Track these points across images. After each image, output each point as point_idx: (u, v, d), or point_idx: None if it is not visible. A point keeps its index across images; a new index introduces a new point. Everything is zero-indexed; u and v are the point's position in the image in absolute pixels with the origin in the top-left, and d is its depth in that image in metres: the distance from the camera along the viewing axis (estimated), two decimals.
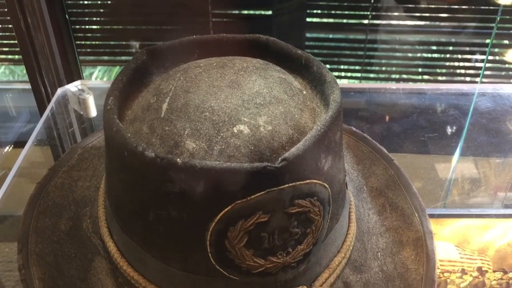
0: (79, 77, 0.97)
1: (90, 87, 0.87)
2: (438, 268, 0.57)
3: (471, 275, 0.68)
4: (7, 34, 1.15)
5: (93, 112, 0.84)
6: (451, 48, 1.19)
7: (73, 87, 0.85)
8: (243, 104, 0.45)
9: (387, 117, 0.91)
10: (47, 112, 0.82)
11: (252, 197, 0.40)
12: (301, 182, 0.41)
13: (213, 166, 0.39)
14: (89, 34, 1.14)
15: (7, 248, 0.66)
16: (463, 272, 0.68)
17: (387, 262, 0.54)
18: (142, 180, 0.43)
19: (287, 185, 0.40)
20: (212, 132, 0.43)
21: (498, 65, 1.19)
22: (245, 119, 0.44)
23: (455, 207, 0.79)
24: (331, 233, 0.48)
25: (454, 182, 0.83)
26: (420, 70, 1.24)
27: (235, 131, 0.43)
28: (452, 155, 0.86)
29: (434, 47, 1.19)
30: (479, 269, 0.69)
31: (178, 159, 0.39)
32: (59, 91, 0.87)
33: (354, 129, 0.69)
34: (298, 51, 0.54)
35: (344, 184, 0.51)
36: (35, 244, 0.53)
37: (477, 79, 1.18)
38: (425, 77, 1.26)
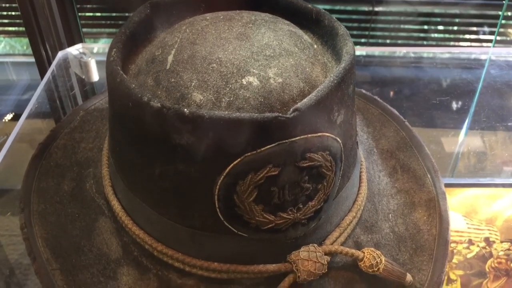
0: (80, 40, 0.95)
1: (92, 52, 0.85)
2: None
3: (478, 246, 0.68)
4: (7, 5, 1.13)
5: (95, 76, 0.82)
6: (458, 20, 1.17)
7: (74, 50, 0.83)
8: (252, 55, 0.44)
9: (396, 83, 0.90)
10: (47, 75, 0.80)
11: (262, 149, 0.38)
12: (313, 135, 0.40)
13: (221, 116, 0.37)
14: (89, 6, 1.11)
15: (9, 221, 0.65)
16: (470, 242, 0.68)
17: (398, 223, 0.53)
18: (147, 133, 0.41)
19: (298, 138, 0.39)
20: (220, 83, 0.42)
21: (509, 37, 1.17)
22: (254, 70, 0.43)
23: (463, 176, 0.77)
24: (342, 191, 0.47)
25: (464, 148, 0.81)
26: (425, 43, 1.21)
27: (244, 82, 0.42)
28: (463, 122, 0.84)
29: (443, 19, 1.16)
30: (487, 240, 0.68)
31: (185, 109, 0.38)
32: (60, 54, 0.85)
33: (364, 91, 0.67)
34: (308, 5, 0.52)
35: (356, 142, 0.50)
36: (37, 204, 0.52)
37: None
38: None
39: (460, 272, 0.68)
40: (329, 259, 0.45)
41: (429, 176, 0.56)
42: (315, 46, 0.49)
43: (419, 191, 0.55)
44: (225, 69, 0.43)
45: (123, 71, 0.44)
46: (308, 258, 0.44)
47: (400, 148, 0.60)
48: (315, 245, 0.45)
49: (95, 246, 0.49)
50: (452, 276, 0.70)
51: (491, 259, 0.67)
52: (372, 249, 0.46)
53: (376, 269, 0.46)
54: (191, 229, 0.44)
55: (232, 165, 0.39)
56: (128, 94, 0.41)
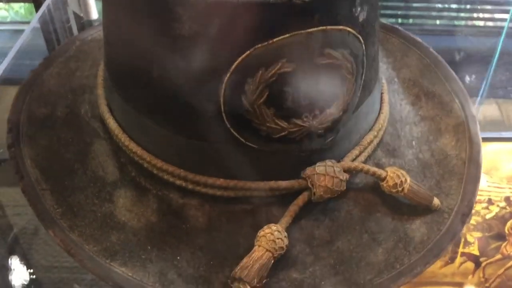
0: None
1: None
2: None
3: (498, 206, 0.65)
4: None
5: (93, 13, 0.79)
6: None
7: None
8: None
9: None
10: (43, 8, 0.76)
11: (274, 40, 0.34)
12: (332, 27, 0.35)
13: (228, 0, 0.33)
14: None
15: (14, 192, 0.63)
16: (490, 202, 0.65)
17: (422, 150, 0.48)
18: (144, 25, 0.37)
19: (316, 29, 0.34)
20: None
21: None
22: None
23: (484, 130, 0.72)
24: (362, 105, 0.43)
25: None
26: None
27: None
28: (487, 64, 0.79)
29: None
30: (507, 199, 0.65)
31: None
32: None
33: (383, 21, 0.62)
34: None
35: (378, 54, 0.45)
36: (27, 127, 0.48)
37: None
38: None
39: (478, 234, 0.66)
40: (348, 176, 0.41)
41: (457, 100, 0.52)
42: None
43: (445, 117, 0.51)
44: None
45: None
46: (325, 172, 0.39)
47: (424, 75, 0.55)
48: (333, 160, 0.41)
49: (89, 170, 0.45)
50: (469, 239, 0.67)
51: (511, 221, 0.63)
52: (396, 167, 0.42)
53: (400, 189, 0.41)
54: (193, 140, 0.40)
55: (240, 59, 0.34)
56: None
